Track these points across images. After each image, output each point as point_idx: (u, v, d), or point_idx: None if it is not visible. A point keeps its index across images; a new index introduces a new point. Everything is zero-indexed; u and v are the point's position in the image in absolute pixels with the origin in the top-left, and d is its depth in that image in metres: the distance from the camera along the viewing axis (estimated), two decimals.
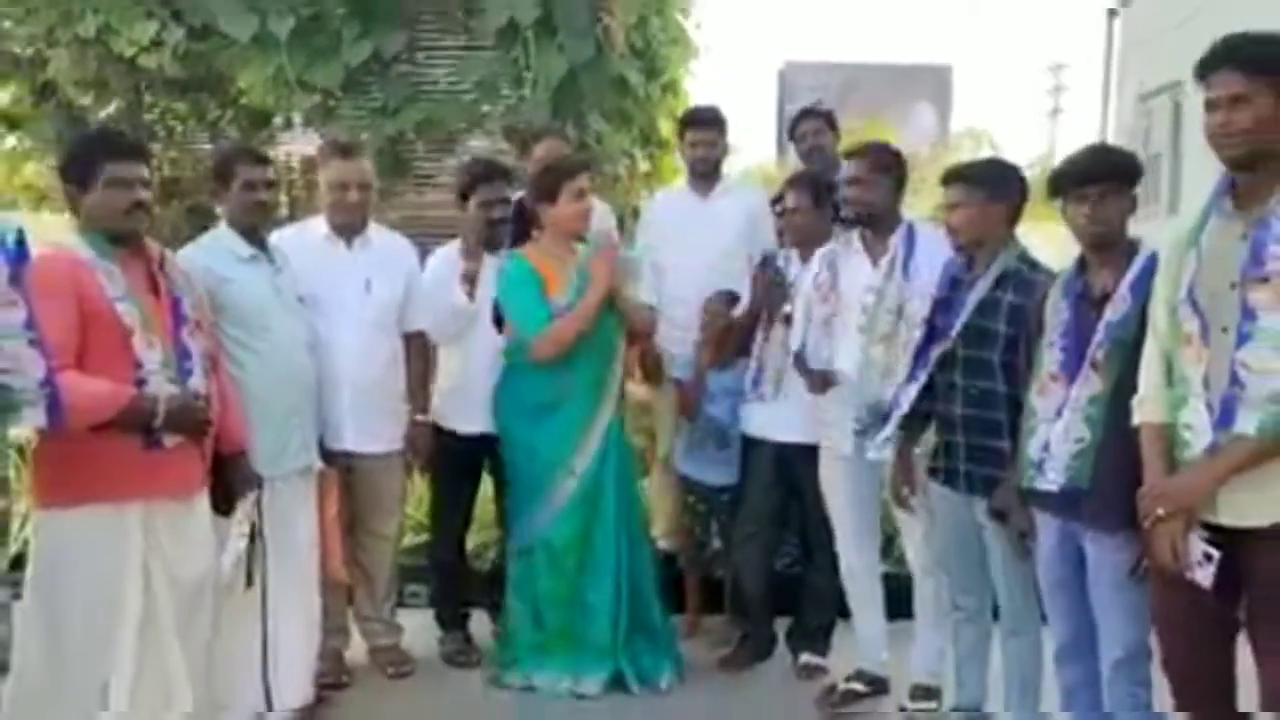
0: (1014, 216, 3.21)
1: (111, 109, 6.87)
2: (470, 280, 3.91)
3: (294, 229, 3.94)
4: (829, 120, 4.82)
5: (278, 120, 6.95)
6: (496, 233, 4.06)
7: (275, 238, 3.70)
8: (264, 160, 3.50)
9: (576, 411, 3.80)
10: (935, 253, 3.42)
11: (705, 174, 4.58)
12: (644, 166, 7.31)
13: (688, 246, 4.47)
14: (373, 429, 3.78)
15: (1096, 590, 2.77)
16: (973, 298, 3.15)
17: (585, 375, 3.81)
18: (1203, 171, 2.78)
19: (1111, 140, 9.50)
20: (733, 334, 4.12)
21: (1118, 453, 2.63)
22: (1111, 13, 15.59)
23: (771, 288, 3.94)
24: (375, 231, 3.87)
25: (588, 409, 3.81)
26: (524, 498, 3.88)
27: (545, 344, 3.76)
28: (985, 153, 17.06)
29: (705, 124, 4.57)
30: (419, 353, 3.94)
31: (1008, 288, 3.14)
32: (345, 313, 3.70)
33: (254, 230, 3.45)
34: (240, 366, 3.31)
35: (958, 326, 3.16)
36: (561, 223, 3.85)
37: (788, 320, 3.83)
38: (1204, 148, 2.46)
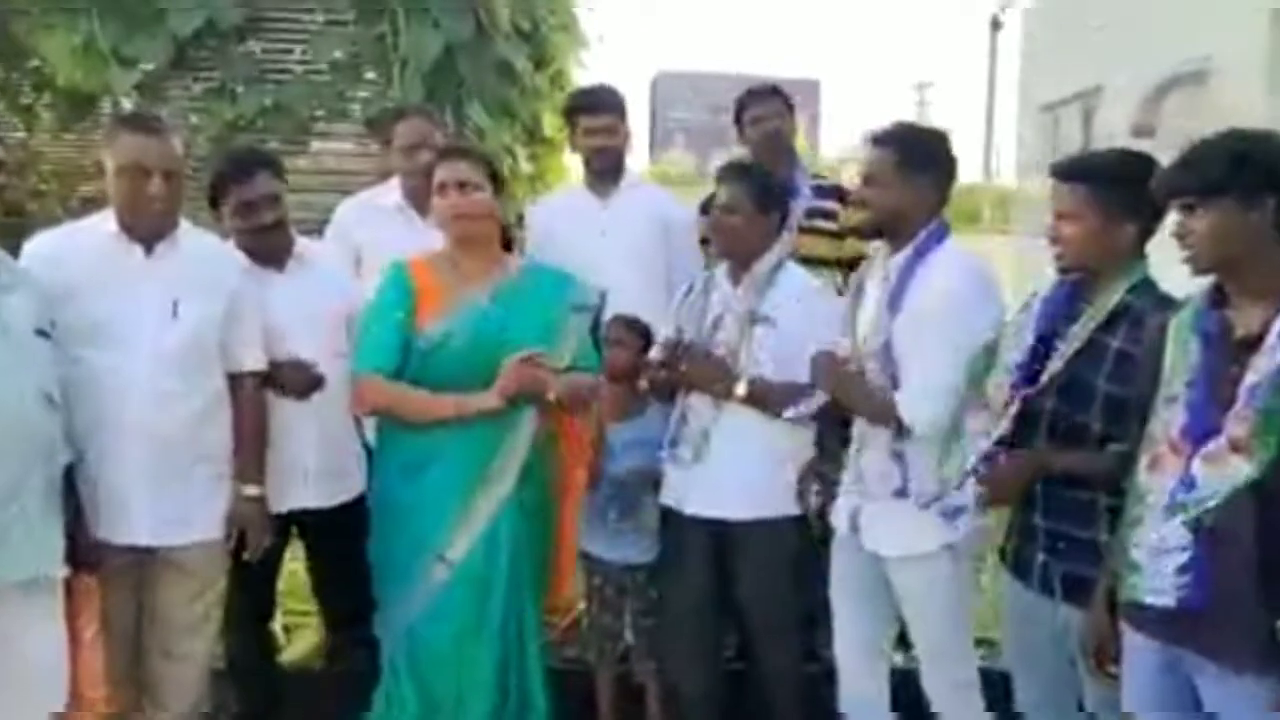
0: (1144, 236, 2.44)
1: None
2: None
3: (69, 229, 2.88)
4: (787, 102, 3.91)
5: (106, 104, 5.81)
6: (270, 241, 3.10)
7: (39, 243, 2.70)
8: None
9: (450, 481, 2.87)
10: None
11: (605, 170, 3.73)
12: (527, 168, 6.41)
13: (585, 260, 3.57)
14: (181, 510, 2.77)
15: None
16: (1070, 339, 2.39)
17: (463, 439, 2.86)
18: None
19: (1008, 153, 9.09)
20: (638, 375, 3.23)
21: (1257, 560, 1.88)
22: (995, 25, 15.53)
23: (696, 363, 3.01)
24: (187, 234, 2.85)
25: (464, 480, 2.87)
26: (387, 579, 2.96)
27: (357, 393, 2.93)
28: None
29: (602, 107, 3.71)
30: (250, 401, 2.92)
31: (1119, 329, 2.38)
32: (139, 345, 2.69)
33: None
34: None
35: (1045, 377, 2.40)
36: (437, 223, 2.97)
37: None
38: None
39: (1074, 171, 2.47)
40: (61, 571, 2.53)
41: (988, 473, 2.47)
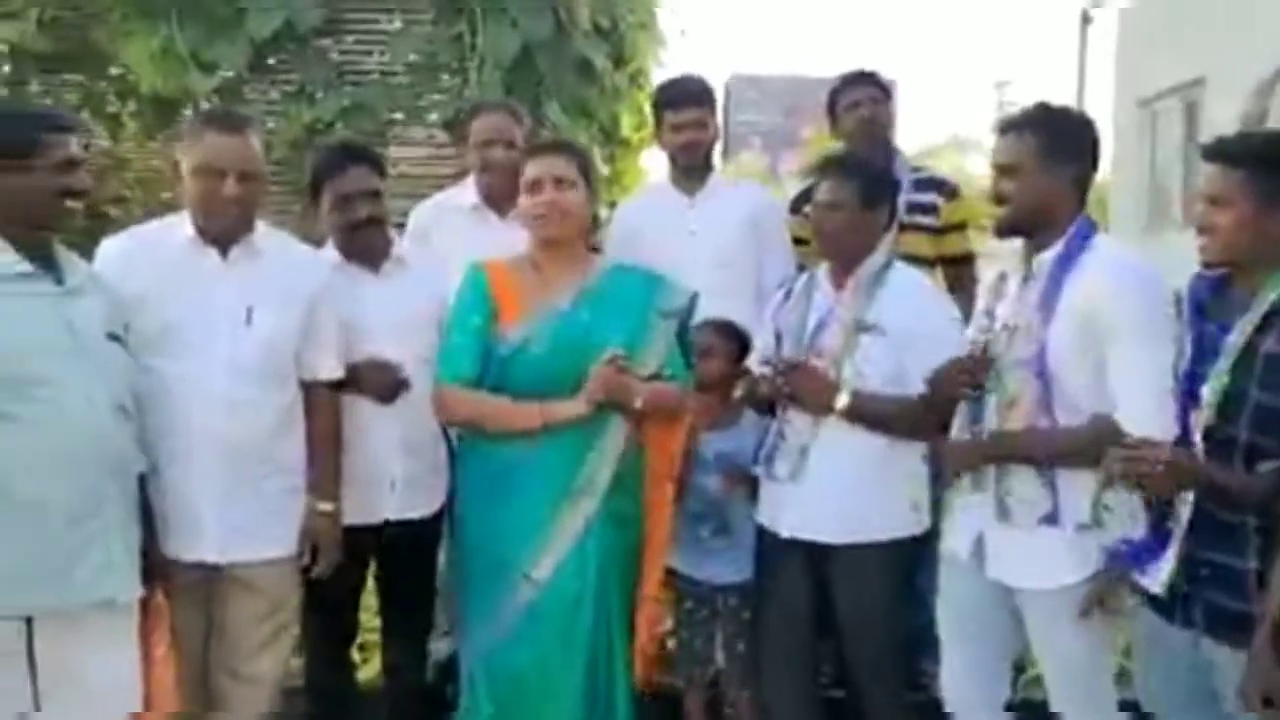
0: None
1: None
2: None
3: (142, 231, 2.77)
4: (883, 88, 3.66)
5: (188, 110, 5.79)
6: (363, 239, 2.97)
7: (111, 246, 2.60)
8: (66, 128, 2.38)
9: (536, 495, 2.71)
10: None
11: (693, 166, 3.54)
12: (604, 169, 6.26)
13: (672, 262, 3.39)
14: (252, 525, 2.64)
15: None
16: (1229, 351, 2.16)
17: (549, 450, 2.70)
18: None
19: (1108, 148, 8.74)
20: (732, 384, 3.04)
21: None
22: (1085, 19, 15.05)
23: (798, 376, 2.79)
24: (264, 238, 2.73)
25: (551, 494, 2.71)
26: (468, 599, 2.81)
27: (439, 402, 2.81)
28: (975, 163, 15.38)
29: (691, 100, 3.52)
30: (325, 411, 2.79)
31: (1272, 331, 2.15)
32: (212, 353, 2.58)
33: (35, 234, 2.34)
34: None
35: (1207, 392, 2.17)
36: (522, 222, 2.85)
37: None
38: None
39: (1228, 152, 2.23)
40: (139, 592, 2.43)
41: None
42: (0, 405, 2.21)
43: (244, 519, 2.62)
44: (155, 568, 2.50)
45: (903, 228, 3.40)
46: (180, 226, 2.66)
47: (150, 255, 2.61)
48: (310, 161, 3.06)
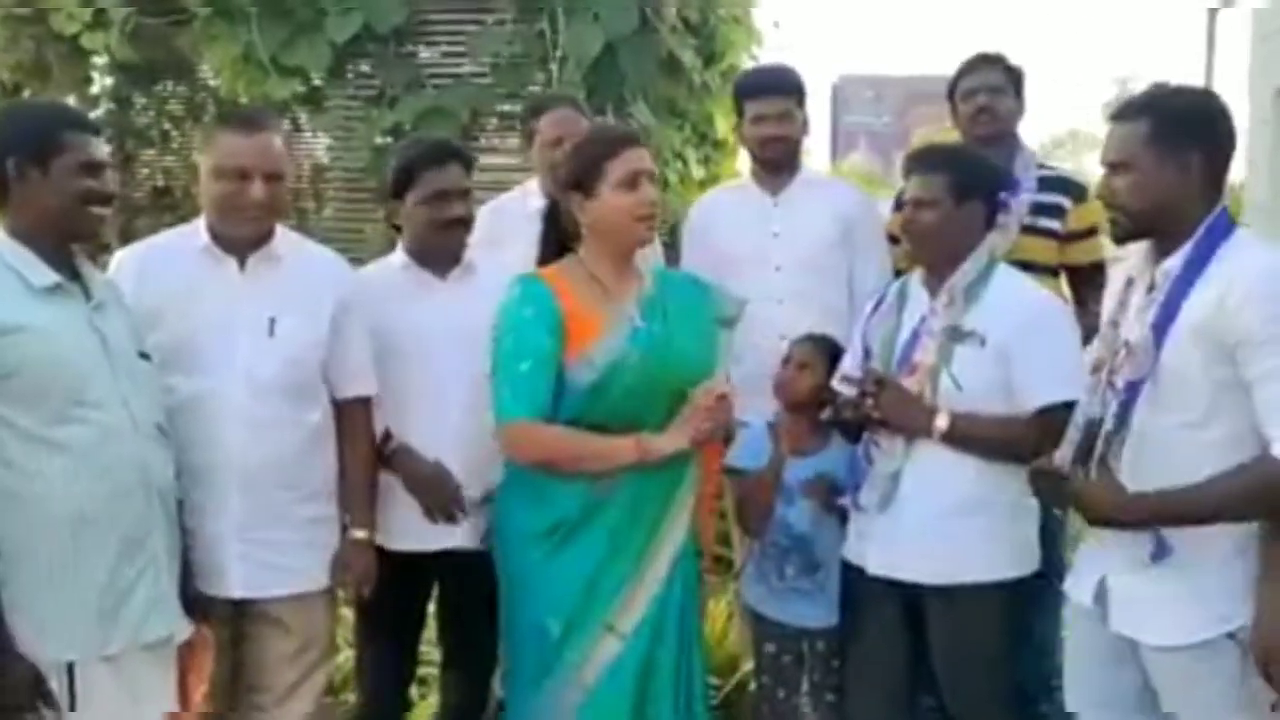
0: None
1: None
2: None
3: (156, 241, 2.58)
4: (1013, 75, 3.23)
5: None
6: (452, 240, 2.74)
7: (124, 257, 2.44)
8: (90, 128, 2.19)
9: (620, 539, 2.38)
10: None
11: (777, 162, 3.23)
12: (698, 173, 6.00)
13: (754, 267, 3.13)
14: (278, 557, 2.43)
15: None
16: None
17: (633, 488, 2.38)
18: None
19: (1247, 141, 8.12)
20: (822, 404, 2.74)
21: None
22: (1213, 11, 14.28)
23: (892, 396, 2.48)
24: (287, 244, 2.52)
25: (638, 537, 2.40)
26: (522, 678, 2.46)
27: (515, 441, 2.41)
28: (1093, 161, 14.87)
29: (774, 89, 3.21)
30: (358, 431, 2.58)
31: None
32: (231, 370, 2.38)
33: (62, 243, 2.16)
34: (27, 477, 1.99)
35: None
36: (606, 224, 2.39)
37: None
38: None
39: None
40: (190, 629, 2.25)
41: None
42: (47, 431, 2.04)
43: (270, 550, 2.42)
44: (193, 602, 2.32)
45: (1024, 230, 3.07)
46: (195, 235, 2.47)
47: (164, 266, 2.43)
48: (400, 154, 2.84)
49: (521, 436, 2.37)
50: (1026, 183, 3.10)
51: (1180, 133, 2.05)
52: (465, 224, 2.76)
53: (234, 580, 2.40)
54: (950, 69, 3.32)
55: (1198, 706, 2.09)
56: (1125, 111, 2.12)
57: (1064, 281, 3.21)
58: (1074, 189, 3.11)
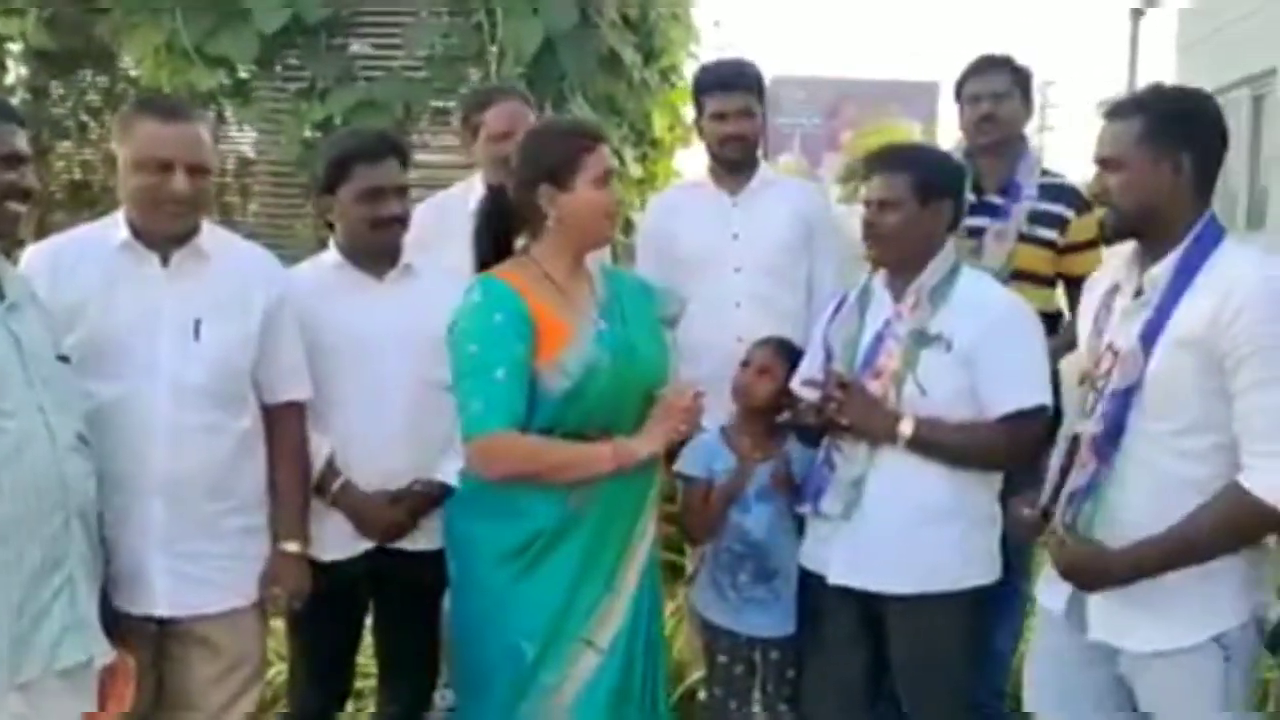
0: None
1: None
2: None
3: (70, 237, 2.40)
4: (1020, 77, 3.13)
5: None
6: (387, 239, 2.62)
7: (36, 254, 2.28)
8: None
9: (594, 550, 2.29)
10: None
11: (737, 161, 3.13)
12: (635, 171, 5.93)
13: (714, 268, 3.06)
14: (206, 572, 2.29)
15: None
16: None
17: (607, 497, 2.29)
18: None
19: None
20: (782, 408, 2.67)
21: None
22: (1136, 13, 14.55)
23: (855, 402, 2.41)
24: (213, 240, 2.36)
25: (613, 546, 2.31)
26: (492, 703, 2.31)
27: (491, 454, 2.27)
28: None
29: (738, 84, 3.11)
30: (290, 437, 2.44)
31: None
32: (154, 375, 2.24)
33: None
34: None
35: None
36: (577, 219, 2.29)
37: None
38: None
39: None
40: (110, 653, 2.08)
41: None
42: None
43: (197, 564, 2.27)
44: (114, 623, 2.15)
45: (1021, 238, 2.99)
46: (114, 229, 2.30)
47: (80, 263, 2.26)
48: (334, 147, 2.70)
49: (500, 449, 2.24)
50: (1028, 190, 3.01)
51: (1173, 133, 2.02)
52: (401, 222, 2.63)
53: (159, 597, 2.25)
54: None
55: (1179, 709, 2.06)
56: (1120, 109, 2.09)
57: (1060, 291, 3.13)
58: (1077, 199, 3.00)
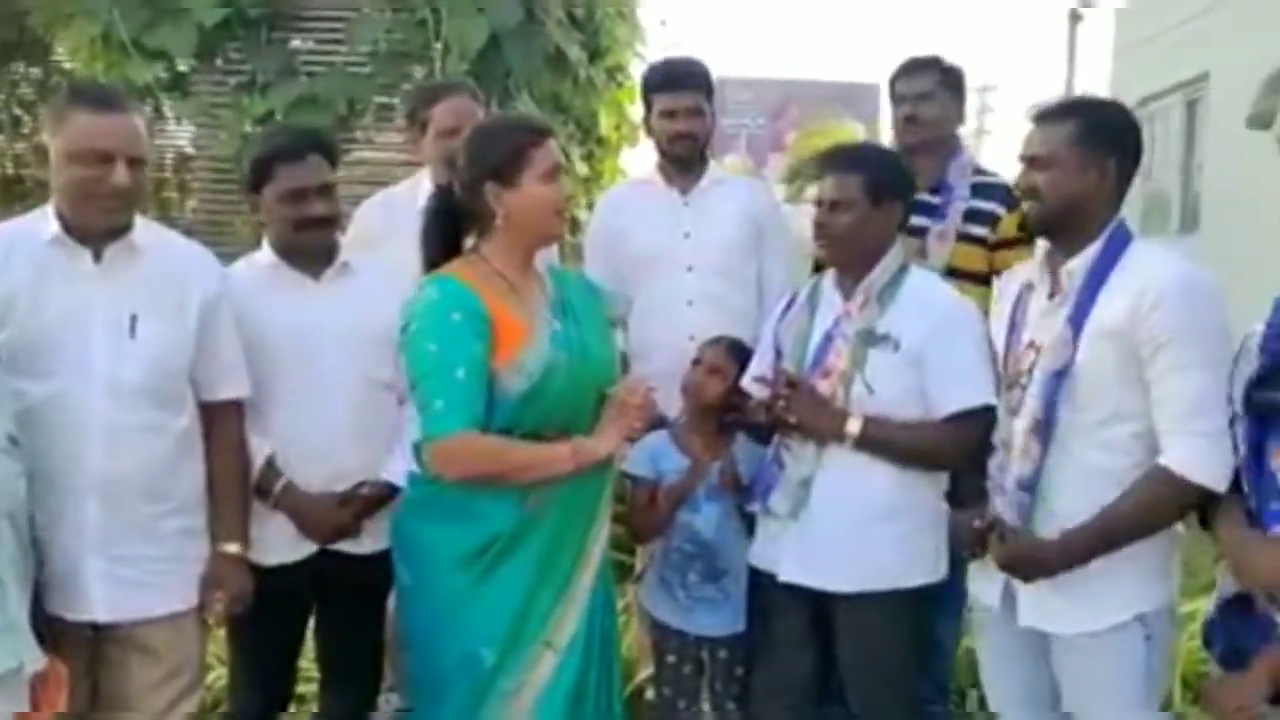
0: None
1: None
2: None
3: (3, 229, 2.31)
4: (950, 78, 3.17)
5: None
6: (313, 240, 2.57)
7: None
8: None
9: (550, 552, 2.26)
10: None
11: (687, 159, 3.13)
12: (581, 170, 5.92)
13: (665, 267, 3.05)
14: (144, 575, 2.24)
15: None
16: None
17: (565, 498, 2.27)
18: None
19: None
20: (732, 408, 2.68)
21: None
22: (1074, 18, 14.79)
23: (804, 401, 2.43)
24: (148, 235, 2.31)
25: (569, 547, 2.28)
26: (449, 710, 2.27)
27: (451, 456, 2.22)
28: None
29: (688, 82, 3.11)
30: (229, 436, 2.40)
31: None
32: (88, 374, 2.18)
33: None
34: None
35: None
36: (525, 216, 2.25)
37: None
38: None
39: None
40: (41, 661, 2.02)
41: None
42: None
43: (134, 568, 2.22)
44: (47, 628, 2.09)
45: (957, 236, 3.02)
46: (43, 223, 2.23)
47: (7, 258, 2.19)
48: (259, 145, 2.66)
49: (461, 450, 2.20)
50: (960, 189, 3.04)
51: (1103, 139, 2.15)
52: (327, 223, 2.58)
53: (95, 602, 2.19)
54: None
55: (1100, 701, 2.13)
56: (1051, 113, 2.20)
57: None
58: (1008, 196, 2.99)
